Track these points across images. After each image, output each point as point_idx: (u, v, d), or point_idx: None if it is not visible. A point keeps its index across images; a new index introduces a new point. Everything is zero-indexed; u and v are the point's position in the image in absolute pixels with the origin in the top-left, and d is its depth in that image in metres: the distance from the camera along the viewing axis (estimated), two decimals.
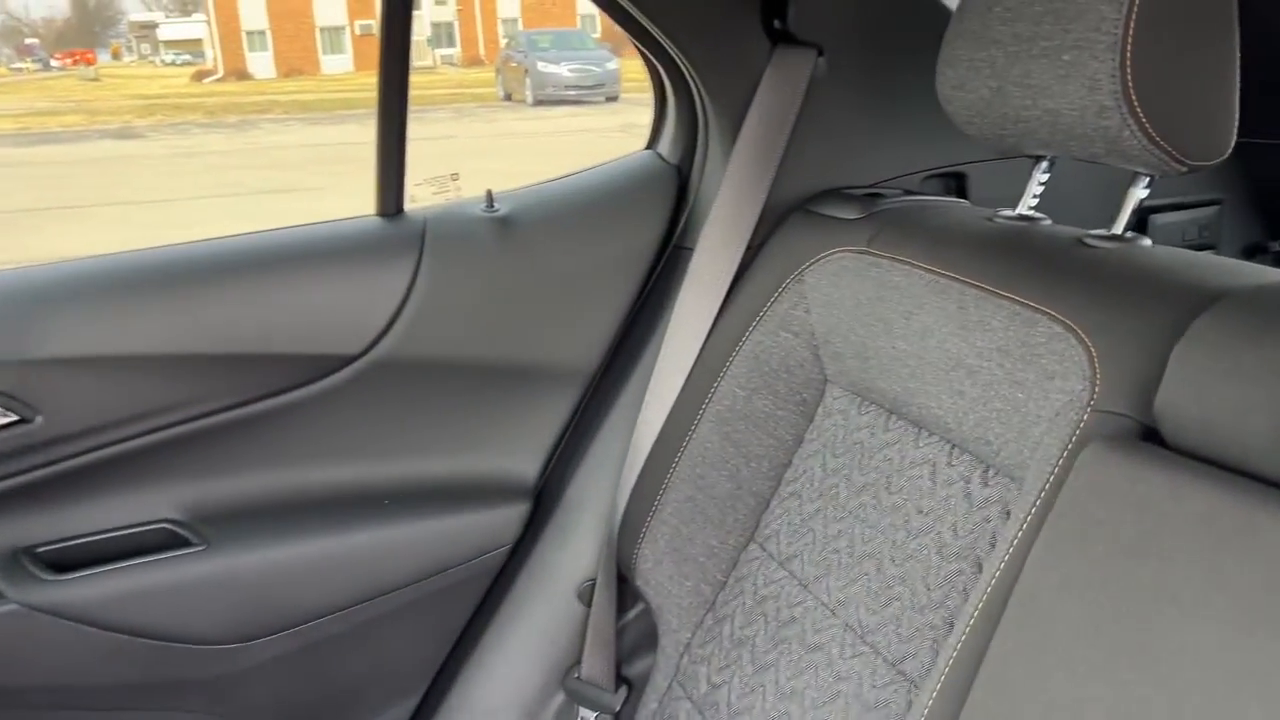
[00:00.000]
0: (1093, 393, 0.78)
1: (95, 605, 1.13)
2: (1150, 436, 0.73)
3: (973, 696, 0.73)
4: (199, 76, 26.48)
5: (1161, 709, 0.61)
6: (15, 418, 1.10)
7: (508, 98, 15.32)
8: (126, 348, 1.13)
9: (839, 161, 1.28)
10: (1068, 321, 0.84)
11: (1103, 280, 0.86)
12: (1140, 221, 1.55)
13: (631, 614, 1.31)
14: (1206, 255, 0.90)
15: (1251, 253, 1.57)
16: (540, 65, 14.39)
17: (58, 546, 1.15)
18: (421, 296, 1.23)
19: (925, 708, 0.78)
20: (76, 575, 1.13)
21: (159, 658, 1.16)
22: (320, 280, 1.21)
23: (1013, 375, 0.87)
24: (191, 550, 1.17)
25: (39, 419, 1.10)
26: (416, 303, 1.23)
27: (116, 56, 40.42)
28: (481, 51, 27.49)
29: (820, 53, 1.24)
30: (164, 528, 1.19)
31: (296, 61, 26.46)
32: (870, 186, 1.27)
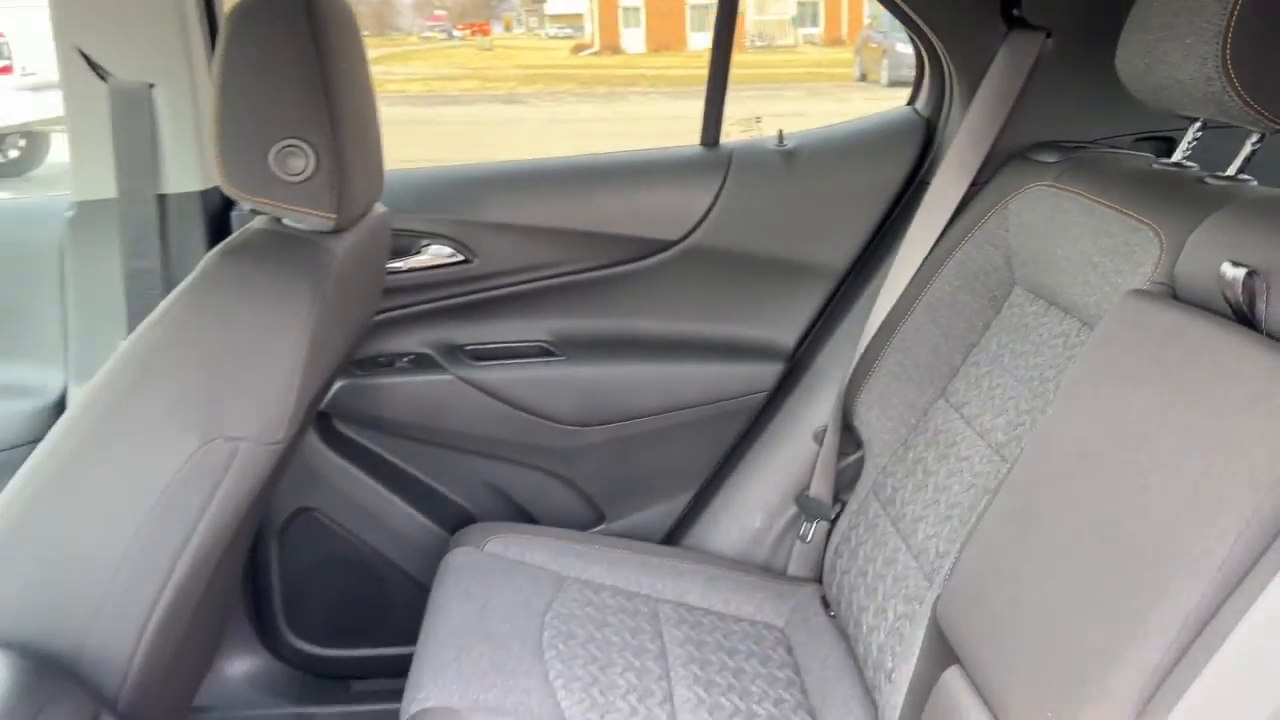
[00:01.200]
0: (1154, 271, 1.14)
1: (496, 384, 1.74)
2: (1174, 296, 1.08)
3: (1019, 462, 1.13)
4: (577, 49, 28.65)
5: (1116, 458, 0.99)
6: (462, 258, 1.72)
7: (863, 78, 15.52)
8: (532, 220, 1.72)
9: (1056, 121, 1.63)
10: (1157, 229, 1.19)
11: (1193, 202, 1.19)
12: None
13: (850, 459, 1.75)
14: (1264, 188, 1.20)
15: None
16: (899, 46, 14.39)
17: (477, 346, 1.78)
18: (724, 203, 1.73)
19: (1003, 474, 1.18)
20: (486, 364, 1.75)
21: (530, 426, 1.76)
22: (658, 186, 1.74)
23: (1119, 267, 1.23)
24: (555, 360, 1.76)
25: (476, 260, 1.72)
26: (720, 207, 1.73)
27: (508, 28, 44.16)
28: (844, 31, 27.66)
29: (1048, 35, 1.59)
30: (541, 344, 1.78)
31: (665, 38, 27.95)
32: (1080, 143, 1.61)
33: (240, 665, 1.81)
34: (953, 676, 1.10)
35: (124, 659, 1.11)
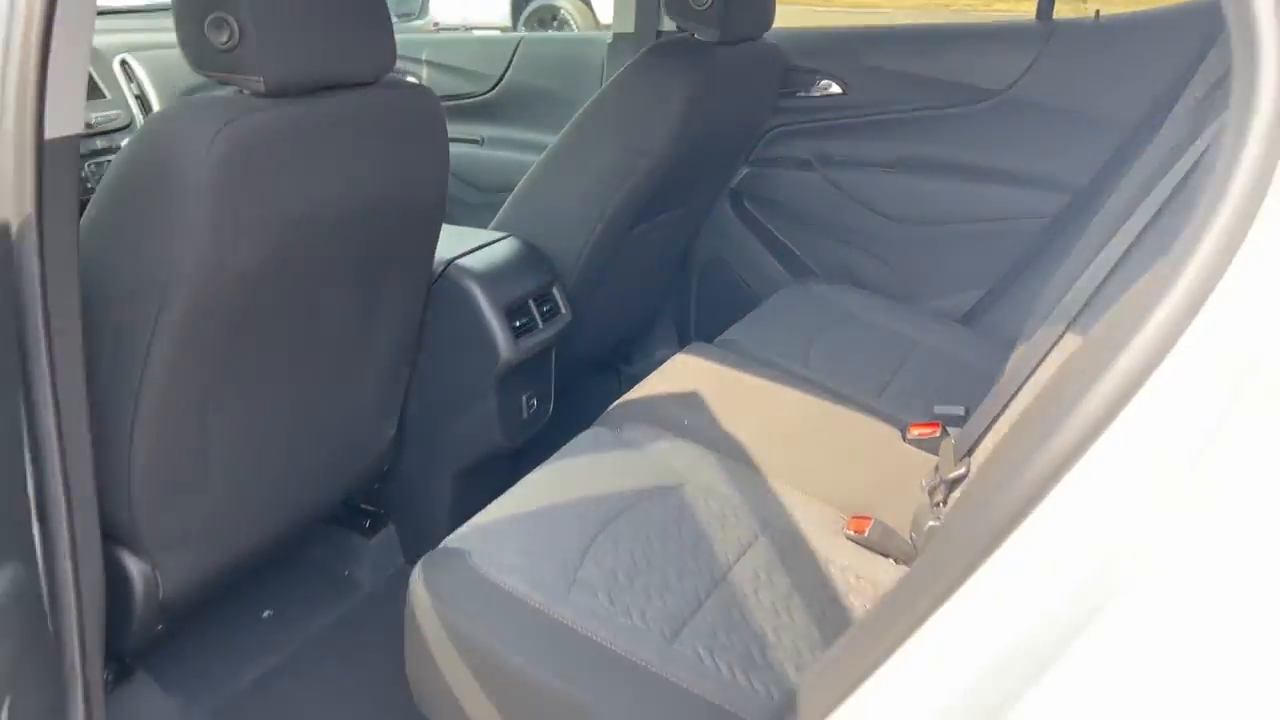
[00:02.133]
0: None
1: (850, 184, 2.47)
2: None
3: None
4: None
5: None
6: (841, 91, 2.45)
7: None
8: (894, 66, 2.39)
9: None
10: None
11: None
12: None
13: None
14: None
15: None
16: None
17: (844, 157, 2.50)
18: (1040, 63, 2.26)
19: None
20: (846, 170, 2.47)
21: (870, 219, 2.47)
22: (994, 47, 2.32)
23: None
24: (894, 172, 2.43)
25: (851, 94, 2.44)
26: (1036, 67, 2.26)
27: None
28: None
29: None
30: (886, 161, 2.45)
31: None
32: None
33: (665, 351, 2.77)
34: None
35: (572, 262, 2.08)
